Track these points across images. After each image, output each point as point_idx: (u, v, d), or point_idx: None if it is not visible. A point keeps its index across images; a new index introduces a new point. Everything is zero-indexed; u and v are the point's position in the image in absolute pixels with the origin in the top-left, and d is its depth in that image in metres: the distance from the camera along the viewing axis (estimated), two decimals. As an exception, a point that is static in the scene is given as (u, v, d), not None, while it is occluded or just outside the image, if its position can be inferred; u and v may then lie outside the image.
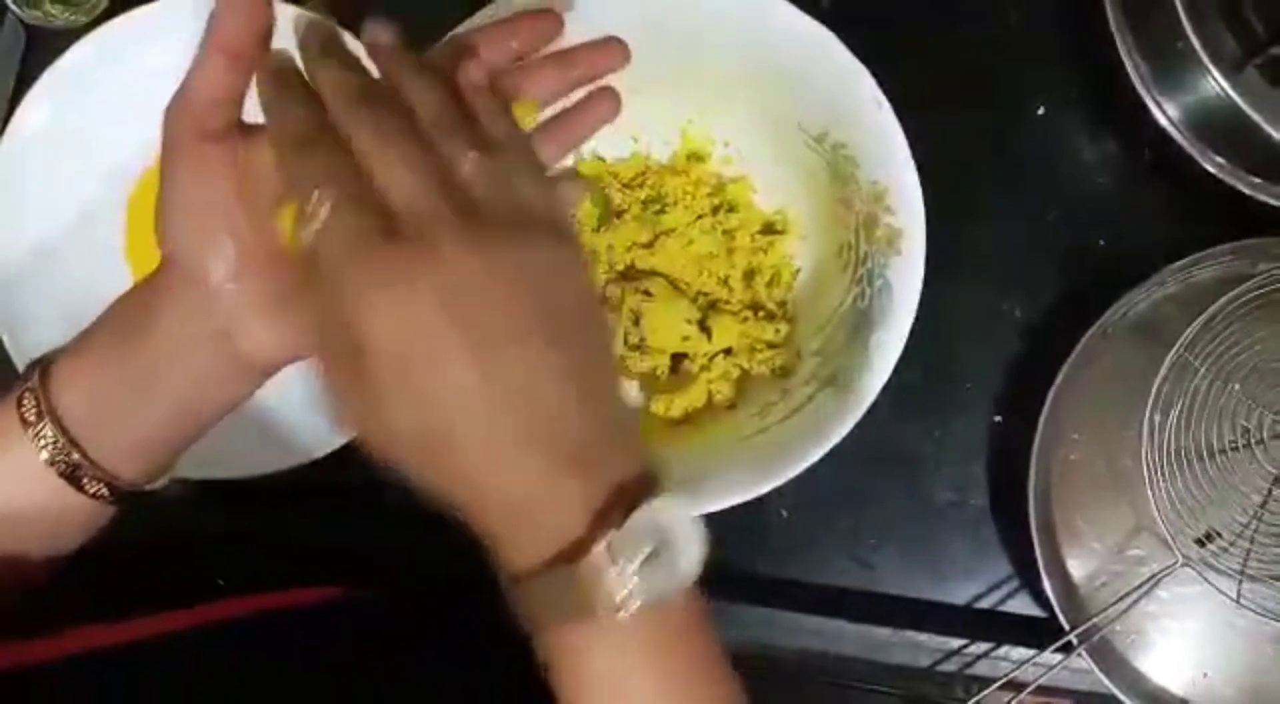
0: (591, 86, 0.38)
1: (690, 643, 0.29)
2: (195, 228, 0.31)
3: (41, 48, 0.52)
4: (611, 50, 0.38)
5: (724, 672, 0.30)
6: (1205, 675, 0.48)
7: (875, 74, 0.43)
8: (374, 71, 0.32)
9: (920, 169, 0.43)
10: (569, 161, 0.49)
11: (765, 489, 0.42)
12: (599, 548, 0.26)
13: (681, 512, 0.27)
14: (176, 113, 0.31)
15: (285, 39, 0.33)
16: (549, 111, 0.37)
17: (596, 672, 0.28)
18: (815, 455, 0.42)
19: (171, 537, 0.50)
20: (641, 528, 0.27)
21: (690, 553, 0.27)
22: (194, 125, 0.31)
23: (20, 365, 0.49)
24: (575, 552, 0.27)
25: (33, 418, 0.32)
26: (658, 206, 0.48)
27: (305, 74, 0.31)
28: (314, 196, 0.27)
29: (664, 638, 0.28)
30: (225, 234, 0.31)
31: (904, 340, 0.42)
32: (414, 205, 0.28)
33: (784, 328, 0.48)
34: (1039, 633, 0.47)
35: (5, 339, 0.49)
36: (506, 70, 0.35)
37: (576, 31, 0.44)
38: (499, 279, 0.28)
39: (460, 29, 0.39)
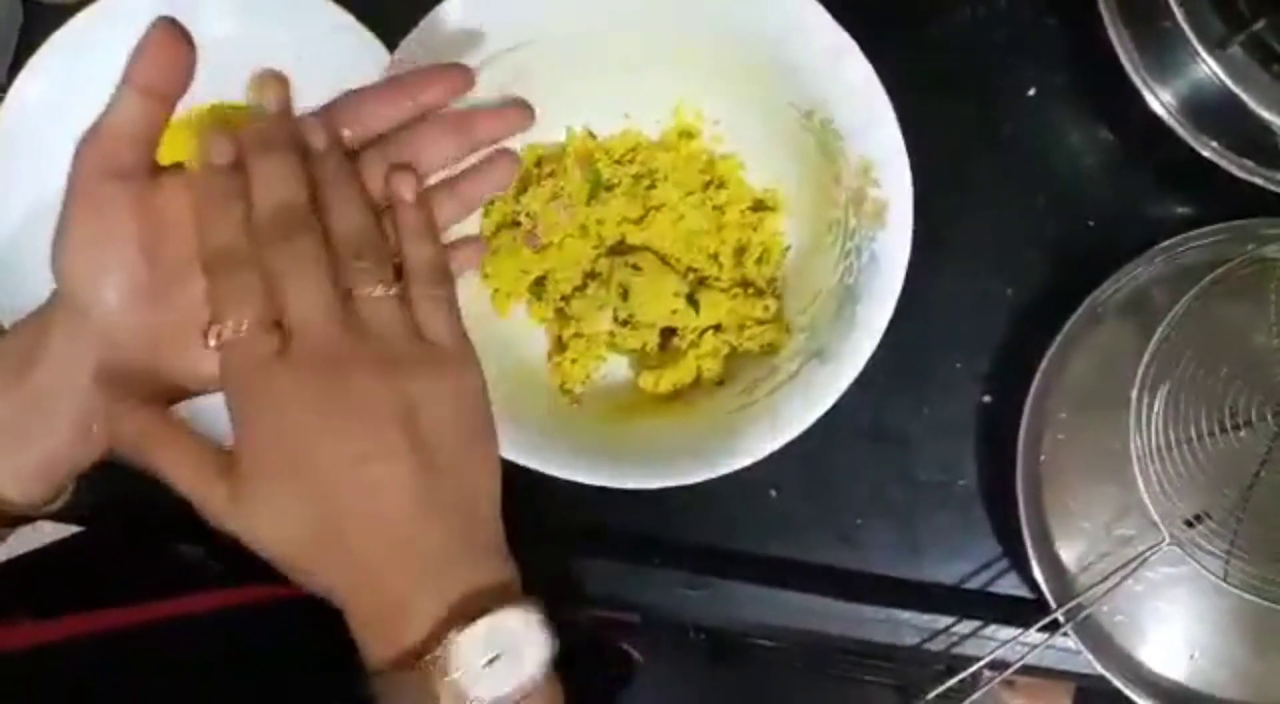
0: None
1: None
2: (89, 261, 0.32)
3: (39, 22, 0.53)
4: (514, 116, 0.39)
5: None
6: (1193, 656, 0.47)
7: (865, 56, 0.43)
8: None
9: (911, 151, 0.43)
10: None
11: (749, 462, 0.42)
12: (440, 650, 0.29)
13: (526, 618, 0.31)
14: (87, 147, 0.32)
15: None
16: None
17: None
18: (801, 426, 0.42)
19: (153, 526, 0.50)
20: (483, 634, 0.30)
21: (533, 656, 0.30)
22: (103, 161, 0.32)
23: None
24: (421, 652, 0.30)
25: None
26: (648, 182, 0.49)
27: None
28: (227, 318, 0.31)
29: None
30: (118, 270, 0.32)
31: (890, 312, 0.42)
32: (310, 333, 0.31)
33: (773, 304, 0.48)
34: (1026, 613, 0.47)
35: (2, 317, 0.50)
36: (409, 128, 0.36)
37: (573, 13, 0.45)
38: (379, 403, 0.31)
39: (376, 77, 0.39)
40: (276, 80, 0.35)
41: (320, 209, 0.33)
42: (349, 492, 0.30)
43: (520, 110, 0.39)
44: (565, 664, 0.32)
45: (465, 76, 0.37)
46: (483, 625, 0.30)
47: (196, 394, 0.34)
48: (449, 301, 0.35)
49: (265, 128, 0.34)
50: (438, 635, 0.30)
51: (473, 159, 0.39)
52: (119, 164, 0.32)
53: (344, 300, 0.32)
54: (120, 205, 0.32)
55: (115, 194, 0.32)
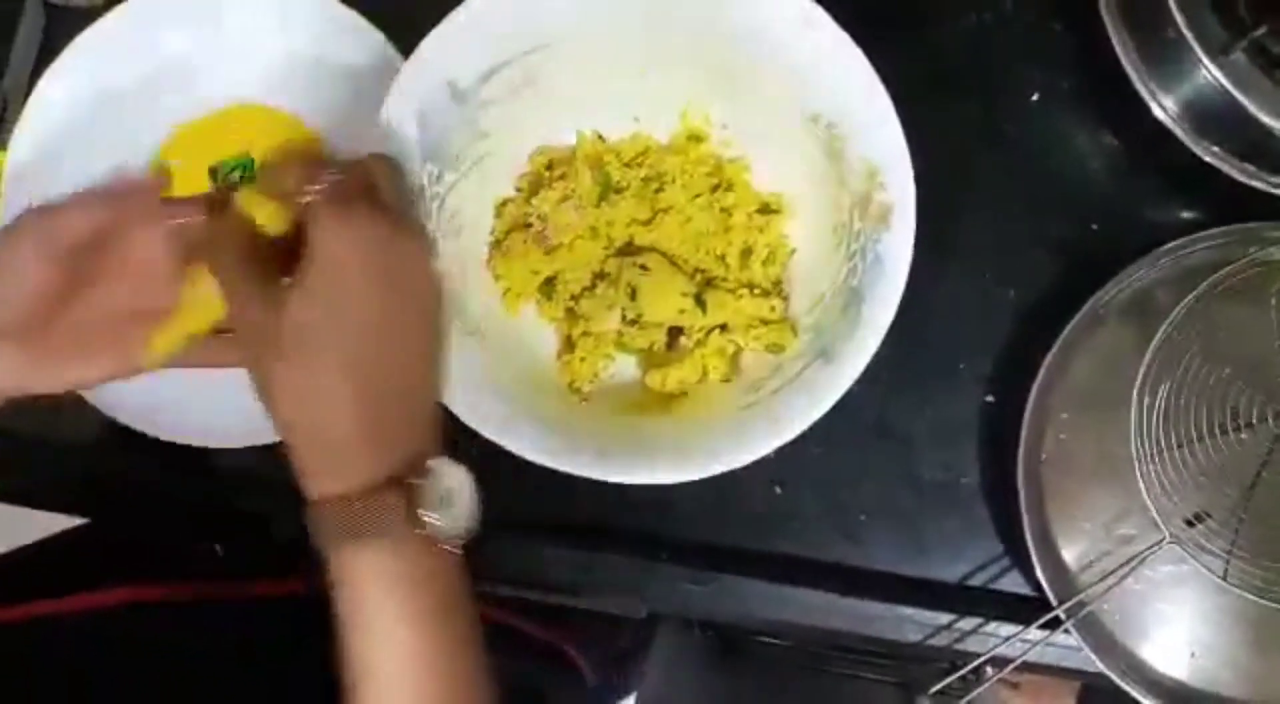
0: None
1: (440, 585, 0.37)
2: None
3: (62, 26, 0.54)
4: None
5: (465, 616, 0.38)
6: (1193, 654, 0.48)
7: (870, 60, 0.44)
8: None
9: (915, 154, 0.44)
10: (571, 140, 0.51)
11: (755, 457, 0.43)
12: (397, 492, 0.35)
13: (467, 474, 0.37)
14: (30, 223, 0.40)
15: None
16: None
17: (365, 590, 0.36)
18: (805, 425, 0.43)
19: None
20: (442, 475, 0.37)
21: (470, 508, 0.37)
22: (38, 240, 0.39)
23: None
24: (374, 491, 0.35)
25: None
26: (657, 185, 0.49)
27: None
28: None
29: (419, 575, 0.36)
30: (12, 302, 0.39)
31: (894, 313, 0.43)
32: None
33: (778, 305, 0.49)
34: (1028, 610, 0.48)
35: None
36: None
37: (584, 19, 0.46)
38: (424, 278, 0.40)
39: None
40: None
41: None
42: (371, 330, 0.37)
43: None
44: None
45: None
46: (443, 466, 0.36)
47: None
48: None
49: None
50: (391, 481, 0.36)
51: None
52: (58, 243, 0.40)
53: None
54: (34, 263, 0.39)
55: (36, 261, 0.39)
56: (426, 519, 0.36)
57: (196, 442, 0.51)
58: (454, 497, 0.37)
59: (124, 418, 0.51)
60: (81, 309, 0.41)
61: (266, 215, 0.38)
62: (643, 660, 0.80)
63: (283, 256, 0.38)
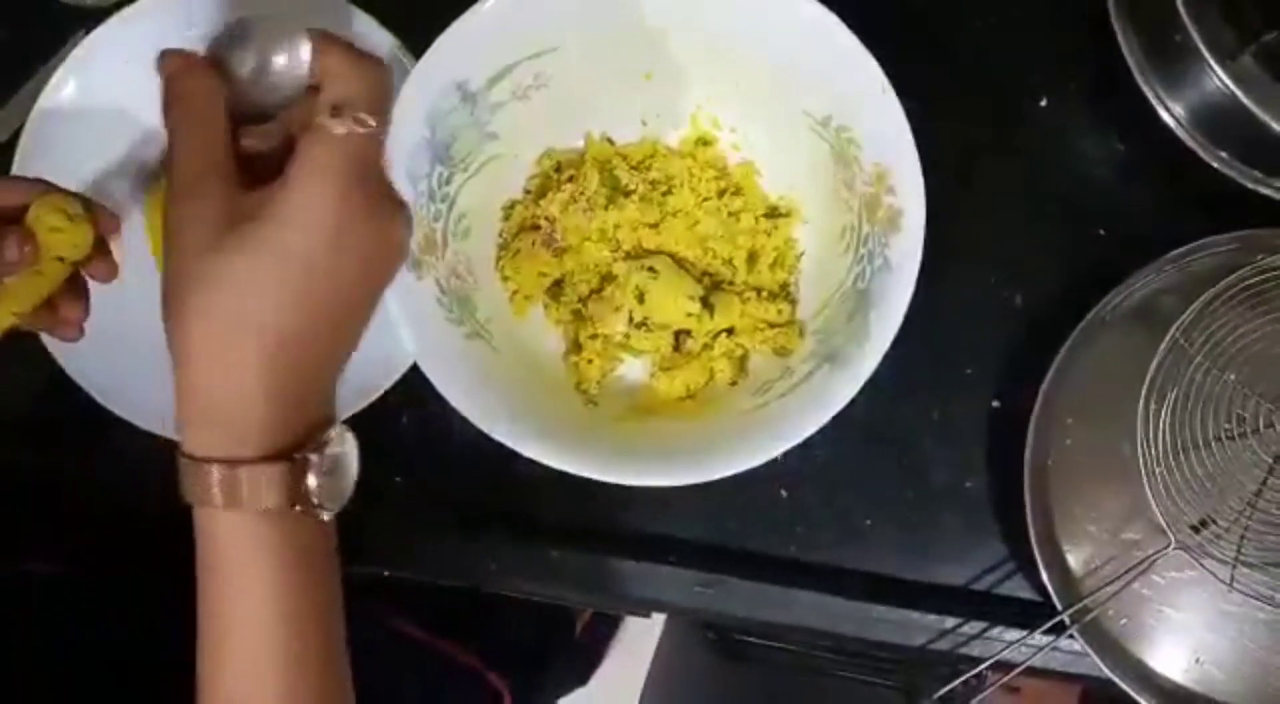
0: None
1: (310, 553, 0.35)
2: None
3: (73, 26, 0.54)
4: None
5: (331, 585, 0.36)
6: (1198, 660, 0.48)
7: (880, 65, 0.44)
8: None
9: (923, 158, 0.44)
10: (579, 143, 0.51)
11: (762, 460, 0.43)
12: (285, 465, 0.33)
13: (352, 441, 0.36)
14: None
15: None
16: None
17: (232, 552, 0.34)
18: (812, 428, 0.43)
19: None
20: (323, 453, 0.34)
21: (351, 470, 0.35)
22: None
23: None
24: (261, 462, 0.33)
25: None
26: (665, 188, 0.50)
27: None
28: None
29: (290, 542, 0.34)
30: None
31: (902, 317, 0.43)
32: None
33: (786, 309, 0.49)
34: (1033, 615, 0.48)
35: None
36: None
37: (594, 22, 0.46)
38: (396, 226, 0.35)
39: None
40: None
41: None
42: (311, 308, 0.33)
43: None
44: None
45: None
46: (335, 434, 0.35)
47: None
48: None
49: None
50: (296, 447, 0.33)
51: None
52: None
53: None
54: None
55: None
56: (310, 491, 0.33)
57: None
58: (340, 464, 0.35)
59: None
60: None
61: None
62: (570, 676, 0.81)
63: (253, 169, 0.34)
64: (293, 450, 0.33)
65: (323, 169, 0.32)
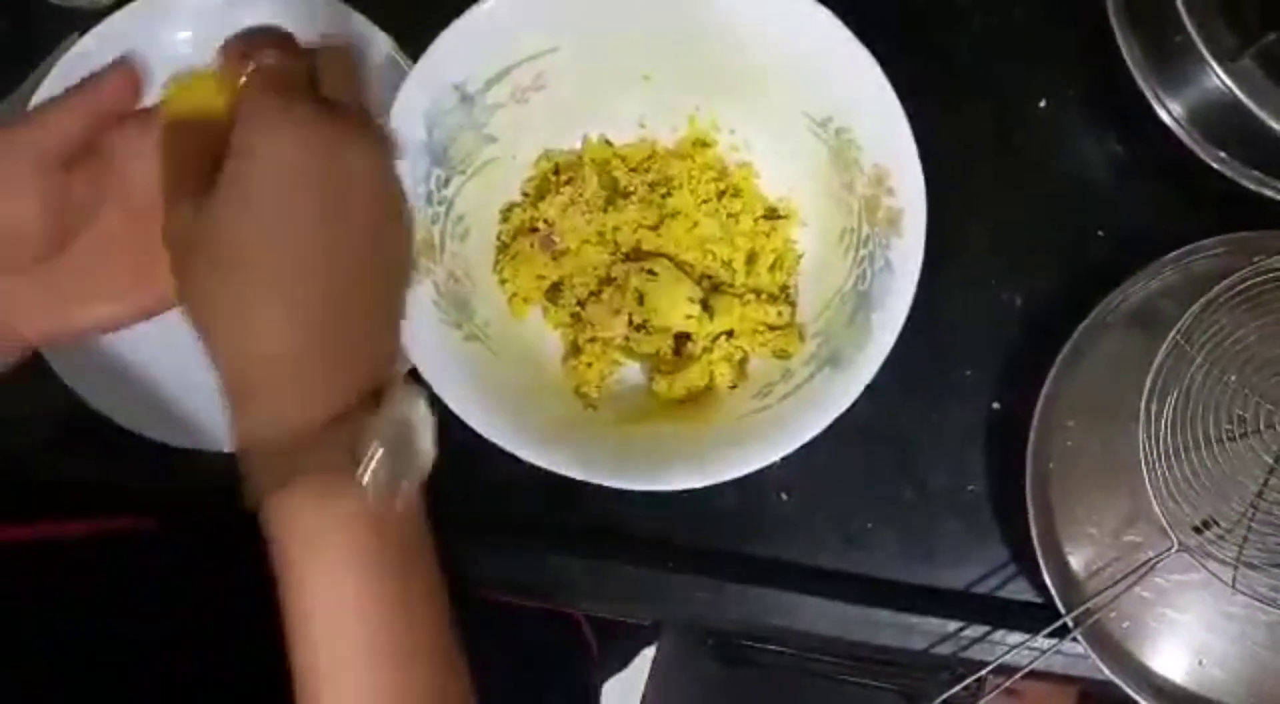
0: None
1: (389, 534, 0.32)
2: None
3: (67, 28, 0.53)
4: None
5: (423, 567, 0.33)
6: (1201, 663, 0.48)
7: (879, 65, 0.43)
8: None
9: (923, 159, 0.43)
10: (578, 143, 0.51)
11: (763, 464, 0.43)
12: (338, 430, 0.31)
13: (423, 408, 0.32)
14: (22, 136, 0.35)
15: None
16: None
17: (301, 543, 0.31)
18: (813, 431, 0.42)
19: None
20: (384, 417, 0.31)
21: (425, 444, 0.32)
22: (34, 153, 0.35)
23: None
24: (308, 432, 0.31)
25: None
26: (664, 190, 0.49)
27: None
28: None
29: (362, 524, 0.31)
30: (20, 235, 0.35)
31: (903, 319, 0.43)
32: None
33: (786, 311, 0.48)
34: (1035, 618, 0.48)
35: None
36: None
37: (591, 24, 0.46)
38: (366, 174, 0.33)
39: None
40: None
41: None
42: (308, 241, 0.32)
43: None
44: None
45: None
46: (398, 397, 0.32)
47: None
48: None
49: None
50: (346, 411, 0.31)
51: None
52: (48, 156, 0.35)
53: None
54: (31, 184, 0.35)
55: (29, 174, 0.35)
56: (372, 462, 0.31)
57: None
58: (408, 430, 0.32)
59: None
60: (96, 234, 0.37)
61: (193, 96, 0.34)
62: (645, 629, 0.80)
63: None
64: (344, 416, 0.31)
65: (250, 101, 0.33)
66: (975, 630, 0.48)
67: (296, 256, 0.32)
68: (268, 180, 0.32)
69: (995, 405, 0.51)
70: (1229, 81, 0.45)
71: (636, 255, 0.49)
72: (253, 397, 0.32)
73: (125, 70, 0.36)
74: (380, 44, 0.51)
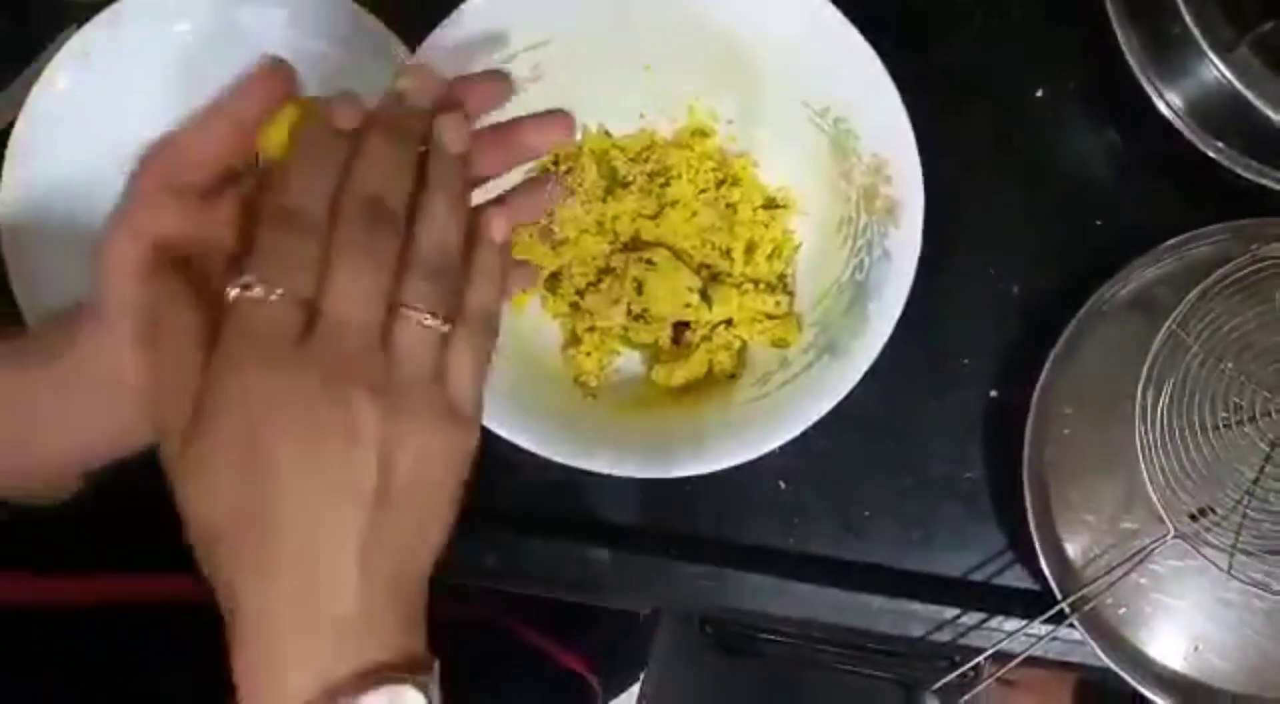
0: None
1: None
2: (130, 264, 0.31)
3: (66, 20, 0.53)
4: (557, 127, 0.36)
5: None
6: (1197, 649, 0.48)
7: (878, 56, 0.44)
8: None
9: (921, 149, 0.44)
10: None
11: (761, 452, 0.43)
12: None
13: (422, 699, 0.28)
14: (156, 159, 0.32)
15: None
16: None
17: None
18: (811, 419, 0.43)
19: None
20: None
21: None
22: (167, 177, 0.32)
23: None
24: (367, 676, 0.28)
25: None
26: (662, 180, 0.50)
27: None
28: (262, 280, 0.28)
29: None
30: (159, 283, 0.31)
31: (901, 308, 0.43)
32: (338, 332, 0.28)
33: (784, 300, 0.49)
34: (1032, 605, 0.48)
35: (20, 299, 0.51)
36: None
37: (590, 14, 0.46)
38: (367, 434, 0.28)
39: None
40: (429, 74, 0.33)
41: (414, 212, 0.30)
42: (294, 502, 0.28)
43: (563, 120, 0.36)
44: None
45: (505, 86, 0.35)
46: (382, 695, 0.28)
47: None
48: (486, 355, 0.32)
49: (401, 113, 0.32)
50: (332, 695, 0.28)
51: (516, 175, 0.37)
52: (182, 181, 0.32)
53: (388, 314, 0.29)
54: (169, 219, 0.32)
55: (170, 208, 0.32)
56: None
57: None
58: None
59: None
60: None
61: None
62: (640, 657, 0.81)
63: None
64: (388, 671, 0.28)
65: (221, 344, 0.28)
66: (972, 617, 0.49)
67: (307, 539, 0.28)
68: (221, 448, 0.28)
69: (993, 394, 0.52)
70: (1226, 71, 0.45)
71: (635, 245, 0.50)
72: (251, 660, 0.28)
73: (271, 82, 0.32)
74: (383, 40, 0.51)
